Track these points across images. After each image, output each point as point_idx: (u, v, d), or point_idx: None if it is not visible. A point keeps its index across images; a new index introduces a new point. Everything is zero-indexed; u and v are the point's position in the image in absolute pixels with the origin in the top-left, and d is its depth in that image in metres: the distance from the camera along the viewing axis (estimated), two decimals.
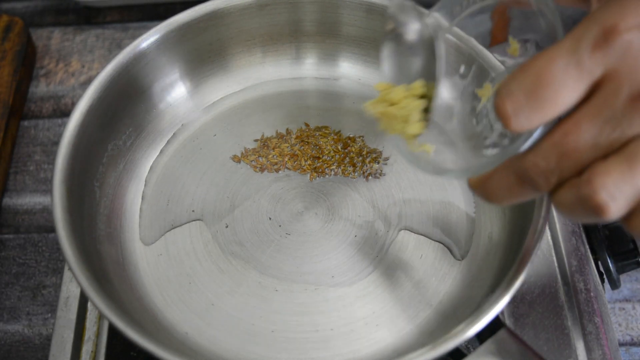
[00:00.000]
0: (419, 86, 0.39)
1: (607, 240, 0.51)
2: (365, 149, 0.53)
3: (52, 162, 0.54)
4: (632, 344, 0.52)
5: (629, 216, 0.29)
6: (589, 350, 0.47)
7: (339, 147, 0.53)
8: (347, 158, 0.52)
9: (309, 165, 0.52)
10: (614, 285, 0.51)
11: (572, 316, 0.49)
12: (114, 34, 0.71)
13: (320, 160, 0.52)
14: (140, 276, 0.47)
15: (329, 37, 0.56)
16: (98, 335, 0.49)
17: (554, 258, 0.52)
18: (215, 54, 0.55)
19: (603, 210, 0.28)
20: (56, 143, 0.63)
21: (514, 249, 0.43)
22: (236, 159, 0.53)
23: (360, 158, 0.52)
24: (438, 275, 0.47)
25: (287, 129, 0.54)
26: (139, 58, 0.51)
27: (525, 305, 0.49)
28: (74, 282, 0.50)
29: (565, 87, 0.28)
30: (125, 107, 0.51)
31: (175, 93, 0.55)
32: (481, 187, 0.34)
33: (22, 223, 0.59)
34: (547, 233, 0.52)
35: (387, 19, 0.41)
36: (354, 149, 0.53)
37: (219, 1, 0.53)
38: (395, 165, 0.52)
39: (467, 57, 0.44)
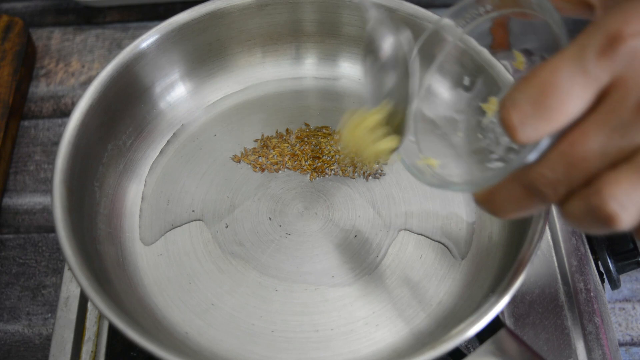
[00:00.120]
0: (383, 105, 0.40)
1: (607, 240, 0.51)
2: None
3: (52, 162, 0.54)
4: (632, 344, 0.52)
5: None
6: (589, 350, 0.47)
7: (339, 147, 0.53)
8: (347, 158, 0.52)
9: (309, 165, 0.52)
10: (614, 285, 0.51)
11: (572, 316, 0.49)
12: (114, 34, 0.71)
13: (320, 160, 0.52)
14: (140, 276, 0.47)
15: (329, 37, 0.56)
16: (98, 335, 0.49)
17: (554, 258, 0.52)
18: (215, 54, 0.55)
19: (613, 220, 0.27)
20: (56, 143, 0.63)
21: (514, 249, 0.43)
22: (236, 159, 0.53)
23: (361, 158, 0.52)
24: (438, 275, 0.47)
25: (287, 129, 0.54)
26: (139, 58, 0.51)
27: (525, 305, 0.49)
28: (74, 282, 0.50)
29: (572, 96, 0.27)
30: (125, 107, 0.51)
31: (175, 93, 0.55)
32: (487, 201, 0.33)
33: (22, 223, 0.59)
34: (547, 233, 0.53)
35: (366, 34, 0.42)
36: (354, 149, 0.52)
37: (219, 1, 0.53)
38: (395, 165, 0.52)
39: (472, 69, 0.44)
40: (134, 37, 0.58)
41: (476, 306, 0.42)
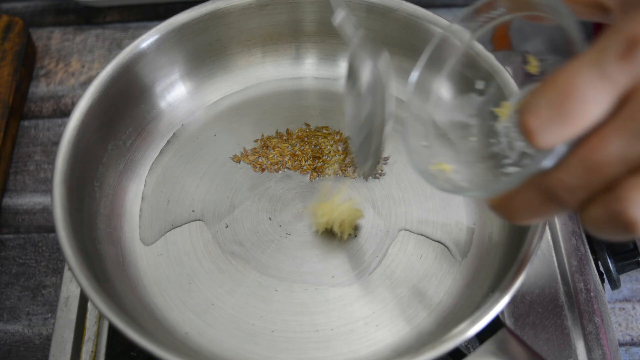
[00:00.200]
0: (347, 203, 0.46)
1: (607, 241, 0.51)
2: None
3: (52, 162, 0.54)
4: (632, 344, 0.52)
5: None
6: (589, 350, 0.47)
7: (339, 147, 0.53)
8: (348, 158, 0.52)
9: (309, 165, 0.52)
10: (614, 285, 0.51)
11: (572, 316, 0.49)
12: (114, 34, 0.71)
13: (320, 160, 0.52)
14: (140, 276, 0.47)
15: (329, 37, 0.56)
16: (98, 335, 0.49)
17: (554, 258, 0.52)
18: (215, 54, 0.55)
19: (634, 227, 0.27)
20: (56, 143, 0.63)
21: (514, 249, 0.43)
22: (236, 159, 0.53)
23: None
24: (438, 275, 0.47)
25: (287, 129, 0.54)
26: (139, 58, 0.51)
27: (525, 305, 0.49)
28: (74, 282, 0.50)
29: (592, 100, 0.27)
30: (125, 107, 0.51)
31: (175, 93, 0.55)
32: (503, 207, 0.33)
33: (22, 223, 0.59)
34: (547, 233, 0.52)
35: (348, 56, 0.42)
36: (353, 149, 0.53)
37: (219, 1, 0.53)
38: (395, 165, 0.52)
39: (485, 73, 0.44)
40: (134, 37, 0.58)
41: (476, 306, 0.42)
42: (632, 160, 0.27)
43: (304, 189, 0.51)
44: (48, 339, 0.53)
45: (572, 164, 0.28)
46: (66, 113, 0.66)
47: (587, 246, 0.52)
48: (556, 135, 0.28)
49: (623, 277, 0.53)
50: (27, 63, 0.67)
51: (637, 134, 0.27)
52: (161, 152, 0.53)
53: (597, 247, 0.51)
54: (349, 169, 0.52)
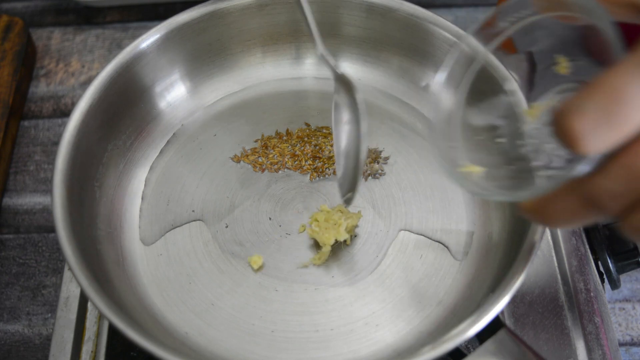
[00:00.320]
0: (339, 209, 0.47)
1: (607, 240, 0.51)
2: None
3: (52, 162, 0.54)
4: (632, 344, 0.52)
5: None
6: (589, 350, 0.47)
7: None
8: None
9: (309, 165, 0.52)
10: (614, 285, 0.51)
11: (572, 316, 0.49)
12: (114, 34, 0.71)
13: (320, 160, 0.52)
14: (140, 276, 0.47)
15: (329, 37, 0.56)
16: (98, 335, 0.49)
17: (554, 258, 0.52)
18: (215, 54, 0.55)
19: None
20: (56, 143, 0.63)
21: (514, 249, 0.43)
22: (236, 159, 0.53)
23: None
24: (438, 275, 0.47)
25: (287, 129, 0.54)
26: (139, 58, 0.51)
27: (525, 305, 0.49)
28: (74, 282, 0.50)
29: None
30: (125, 107, 0.51)
31: (175, 93, 0.55)
32: (537, 211, 0.32)
33: (22, 223, 0.59)
34: (547, 233, 0.52)
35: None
36: None
37: (219, 1, 0.53)
38: (395, 166, 0.52)
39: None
40: (134, 37, 0.58)
41: (476, 306, 0.42)
42: None
43: (304, 189, 0.51)
44: (48, 339, 0.53)
45: (616, 170, 0.28)
46: (66, 113, 0.66)
47: (587, 246, 0.52)
48: (603, 140, 0.27)
49: (623, 277, 0.53)
50: (27, 63, 0.67)
51: None
52: (161, 152, 0.53)
53: (597, 247, 0.51)
54: None
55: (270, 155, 0.53)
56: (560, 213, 0.31)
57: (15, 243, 0.58)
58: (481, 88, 0.41)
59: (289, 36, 0.56)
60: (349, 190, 0.44)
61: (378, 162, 0.52)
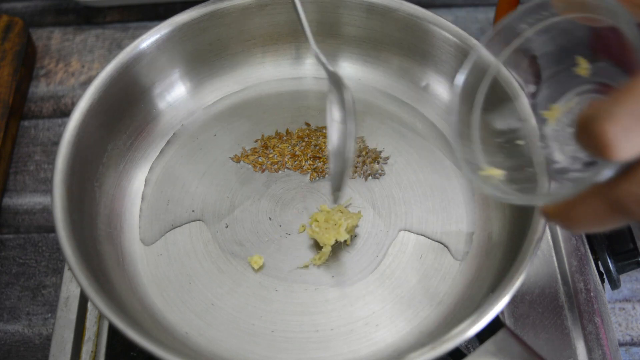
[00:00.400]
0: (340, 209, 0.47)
1: (607, 240, 0.51)
2: (365, 149, 0.53)
3: (52, 162, 0.54)
4: (632, 344, 0.52)
5: None
6: (589, 350, 0.47)
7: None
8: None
9: (309, 165, 0.52)
10: (614, 285, 0.51)
11: (572, 316, 0.49)
12: (114, 34, 0.71)
13: (320, 160, 0.52)
14: (140, 276, 0.47)
15: (329, 37, 0.56)
16: (98, 335, 0.49)
17: (554, 258, 0.52)
18: (215, 54, 0.55)
19: None
20: (56, 143, 0.63)
21: (514, 249, 0.43)
22: (236, 159, 0.53)
23: (361, 158, 0.52)
24: (438, 275, 0.47)
25: (287, 129, 0.54)
26: (139, 58, 0.51)
27: (525, 305, 0.49)
28: (74, 282, 0.50)
29: None
30: (125, 107, 0.51)
31: (175, 93, 0.55)
32: (561, 215, 0.32)
33: (22, 223, 0.59)
34: (547, 233, 0.52)
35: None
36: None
37: (219, 1, 0.53)
38: (395, 166, 0.52)
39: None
40: (134, 37, 0.58)
41: (476, 306, 0.42)
42: None
43: (304, 189, 0.51)
44: (48, 339, 0.53)
45: None
46: (66, 113, 0.66)
47: (587, 246, 0.52)
48: (633, 147, 0.26)
49: (623, 277, 0.53)
50: (27, 63, 0.67)
51: None
52: (161, 152, 0.53)
53: (597, 247, 0.51)
54: None
55: (270, 155, 0.53)
56: (584, 217, 0.31)
57: (15, 243, 0.58)
58: (499, 90, 0.41)
59: (289, 36, 0.56)
60: (336, 189, 0.44)
61: (378, 162, 0.52)
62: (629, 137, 0.26)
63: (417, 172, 0.52)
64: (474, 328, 0.38)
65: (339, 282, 0.46)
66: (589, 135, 0.27)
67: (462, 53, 0.51)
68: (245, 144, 0.54)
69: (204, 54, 0.55)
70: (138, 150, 0.52)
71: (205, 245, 0.48)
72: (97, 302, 0.38)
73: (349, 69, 0.57)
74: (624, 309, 0.54)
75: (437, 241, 0.48)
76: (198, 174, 0.52)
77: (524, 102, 0.41)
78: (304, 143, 0.53)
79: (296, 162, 0.52)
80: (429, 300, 0.46)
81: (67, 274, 0.51)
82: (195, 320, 0.45)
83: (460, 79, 0.39)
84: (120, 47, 0.70)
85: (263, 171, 0.52)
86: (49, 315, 0.54)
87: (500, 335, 0.39)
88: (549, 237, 0.52)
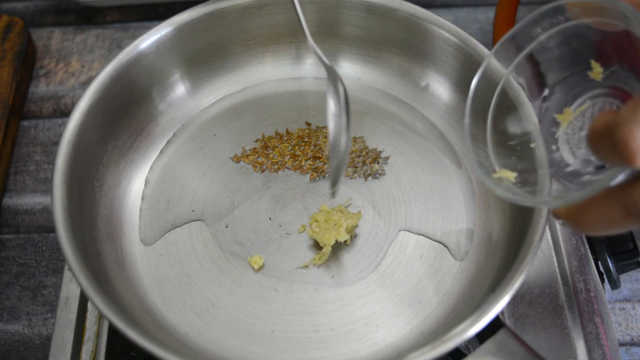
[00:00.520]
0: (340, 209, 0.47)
1: (607, 240, 0.51)
2: (365, 149, 0.53)
3: (52, 162, 0.54)
4: (632, 344, 0.52)
5: None
6: (589, 350, 0.47)
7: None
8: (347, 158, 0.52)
9: (309, 165, 0.52)
10: (614, 285, 0.51)
11: (572, 316, 0.49)
12: (114, 34, 0.71)
13: (320, 160, 0.52)
14: (140, 276, 0.47)
15: (329, 37, 0.56)
16: (98, 335, 0.49)
17: (554, 258, 0.52)
18: (215, 54, 0.55)
19: None
20: (56, 143, 0.63)
21: (514, 249, 0.43)
22: (236, 159, 0.53)
23: (361, 158, 0.52)
24: (438, 275, 0.47)
25: (287, 129, 0.54)
26: (139, 58, 0.51)
27: (525, 305, 0.49)
28: (74, 282, 0.50)
29: None
30: (125, 107, 0.51)
31: (175, 93, 0.55)
32: (573, 217, 0.32)
33: (22, 223, 0.59)
34: (547, 233, 0.52)
35: None
36: (354, 150, 0.53)
37: (219, 1, 0.53)
38: (395, 166, 0.52)
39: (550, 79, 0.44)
40: (134, 37, 0.58)
41: (476, 306, 0.42)
42: None
43: (304, 189, 0.51)
44: (48, 339, 0.53)
45: None
46: (66, 113, 0.66)
47: (587, 246, 0.52)
48: None
49: (623, 277, 0.53)
50: (27, 63, 0.67)
51: None
52: (161, 152, 0.53)
53: (597, 247, 0.51)
54: (349, 169, 0.52)
55: (270, 155, 0.53)
56: (597, 220, 0.31)
57: (15, 243, 0.58)
58: (512, 94, 0.41)
59: (289, 36, 0.56)
60: (332, 184, 0.44)
61: (378, 162, 0.52)
62: None
63: (417, 172, 0.52)
64: (474, 328, 0.38)
65: (339, 282, 0.46)
66: (613, 143, 0.27)
67: (462, 53, 0.51)
68: (245, 144, 0.54)
69: (204, 54, 0.55)
70: (138, 150, 0.52)
71: (205, 245, 0.48)
72: (97, 302, 0.38)
73: (349, 69, 0.57)
74: (624, 309, 0.54)
75: (437, 241, 0.48)
76: (198, 174, 0.52)
77: (529, 109, 0.41)
78: (303, 143, 0.53)
79: (296, 162, 0.52)
80: (429, 300, 0.46)
81: (67, 274, 0.51)
82: (195, 320, 0.45)
83: (474, 81, 0.39)
84: (120, 47, 0.70)
85: (263, 171, 0.52)
86: (49, 315, 0.54)
87: (500, 335, 0.39)
88: (549, 237, 0.52)
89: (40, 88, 0.68)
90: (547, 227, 0.52)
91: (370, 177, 0.51)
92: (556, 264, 0.51)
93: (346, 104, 0.44)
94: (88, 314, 0.50)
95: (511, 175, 0.38)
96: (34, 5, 0.74)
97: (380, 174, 0.52)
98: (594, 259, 0.51)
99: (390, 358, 0.43)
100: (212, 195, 0.51)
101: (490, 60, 0.39)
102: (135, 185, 0.51)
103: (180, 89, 0.55)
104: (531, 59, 0.39)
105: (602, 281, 0.51)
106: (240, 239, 0.48)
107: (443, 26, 0.52)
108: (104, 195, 0.49)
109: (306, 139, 0.53)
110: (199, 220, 0.49)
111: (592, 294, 0.49)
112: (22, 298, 0.55)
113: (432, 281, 0.46)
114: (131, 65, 0.50)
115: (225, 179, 0.52)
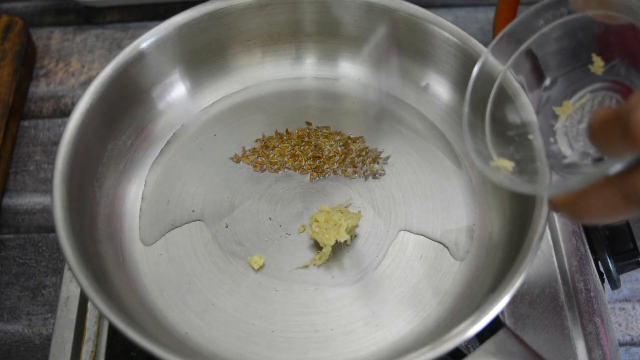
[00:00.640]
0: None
1: (607, 240, 0.51)
2: (365, 149, 0.53)
3: (52, 162, 0.54)
4: (632, 344, 0.52)
5: None
6: (589, 350, 0.47)
7: (339, 147, 0.53)
8: (348, 158, 0.52)
9: (309, 165, 0.52)
10: (614, 285, 0.51)
11: (572, 316, 0.49)
12: (114, 34, 0.71)
13: (320, 160, 0.52)
14: (140, 276, 0.47)
15: (329, 37, 0.56)
16: (98, 335, 0.49)
17: (554, 258, 0.52)
18: (215, 54, 0.55)
19: None
20: (56, 143, 0.63)
21: (514, 249, 0.43)
22: (236, 159, 0.53)
23: (361, 158, 0.52)
24: (438, 275, 0.47)
25: (287, 129, 0.54)
26: (139, 58, 0.51)
27: (525, 305, 0.49)
28: (74, 282, 0.50)
29: None
30: (125, 107, 0.51)
31: (175, 93, 0.55)
32: (571, 205, 0.32)
33: (22, 223, 0.59)
34: (547, 233, 0.52)
35: None
36: (354, 149, 0.53)
37: (219, 1, 0.53)
38: (395, 166, 0.52)
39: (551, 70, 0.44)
40: (134, 37, 0.58)
41: (476, 306, 0.42)
42: None
43: (304, 189, 0.51)
44: (48, 339, 0.53)
45: None
46: (66, 113, 0.66)
47: (587, 246, 0.52)
48: None
49: (623, 277, 0.53)
50: (27, 63, 0.67)
51: None
52: (161, 152, 0.53)
53: (597, 247, 0.51)
54: (349, 169, 0.52)
55: (270, 155, 0.53)
56: (596, 207, 0.31)
57: (15, 243, 0.58)
58: (511, 86, 0.40)
59: (289, 36, 0.56)
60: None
61: (378, 162, 0.52)
62: None
63: (417, 172, 0.52)
64: (474, 328, 0.38)
65: (339, 282, 0.46)
66: (618, 129, 0.27)
67: (462, 53, 0.51)
68: (245, 144, 0.54)
69: (204, 54, 0.55)
70: (138, 150, 0.52)
71: (205, 245, 0.48)
72: (97, 302, 0.38)
73: (349, 69, 0.57)
74: (624, 309, 0.54)
75: (437, 241, 0.48)
76: (198, 174, 0.52)
77: (526, 101, 0.41)
78: (303, 143, 0.53)
79: (296, 162, 0.52)
80: (429, 300, 0.46)
81: (67, 274, 0.51)
82: (195, 320, 0.45)
83: (475, 71, 0.39)
84: (120, 47, 0.70)
85: (263, 171, 0.52)
86: (49, 315, 0.54)
87: (500, 335, 0.39)
88: (549, 237, 0.52)
89: (40, 88, 0.68)
90: (547, 227, 0.52)
91: (370, 177, 0.51)
92: (556, 264, 0.51)
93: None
94: (88, 314, 0.50)
95: (509, 165, 0.38)
96: (34, 5, 0.74)
97: (380, 174, 0.52)
98: (594, 259, 0.51)
99: (390, 358, 0.43)
100: (212, 195, 0.51)
101: (490, 51, 0.39)
102: (135, 185, 0.51)
103: (180, 89, 0.55)
104: (531, 53, 0.39)
105: (602, 281, 0.51)
106: (240, 239, 0.48)
107: (443, 26, 0.52)
108: (104, 195, 0.49)
109: (306, 139, 0.53)
110: (199, 220, 0.49)
111: (592, 294, 0.49)
112: (22, 298, 0.55)
113: (432, 281, 0.46)
114: (131, 65, 0.50)
115: (225, 179, 0.52)
